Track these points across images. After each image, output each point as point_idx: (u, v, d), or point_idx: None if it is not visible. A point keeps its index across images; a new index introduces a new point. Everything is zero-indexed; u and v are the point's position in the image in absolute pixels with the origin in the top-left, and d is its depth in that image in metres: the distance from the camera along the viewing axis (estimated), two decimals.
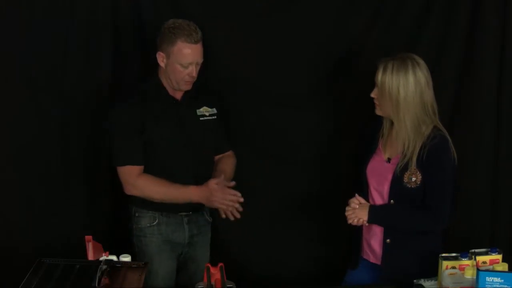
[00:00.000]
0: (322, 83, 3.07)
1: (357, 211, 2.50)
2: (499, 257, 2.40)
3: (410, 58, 2.46)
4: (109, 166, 3.04)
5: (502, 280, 2.23)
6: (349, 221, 2.51)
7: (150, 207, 2.74)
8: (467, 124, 3.00)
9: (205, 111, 2.77)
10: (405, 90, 2.43)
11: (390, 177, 2.51)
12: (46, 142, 3.01)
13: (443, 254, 2.40)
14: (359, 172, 2.64)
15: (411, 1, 2.97)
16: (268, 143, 3.09)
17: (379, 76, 2.46)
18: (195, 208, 2.79)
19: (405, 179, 2.48)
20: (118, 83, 3.00)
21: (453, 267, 2.37)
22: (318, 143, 3.13)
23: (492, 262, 2.38)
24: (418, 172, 2.46)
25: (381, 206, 2.53)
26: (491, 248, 2.42)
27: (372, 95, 2.51)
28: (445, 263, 2.38)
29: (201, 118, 2.76)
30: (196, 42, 2.60)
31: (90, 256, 2.40)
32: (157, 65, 2.69)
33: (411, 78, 2.43)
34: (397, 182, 2.49)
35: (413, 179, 2.47)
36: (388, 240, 2.53)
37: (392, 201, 2.52)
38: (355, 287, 2.71)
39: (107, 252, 2.42)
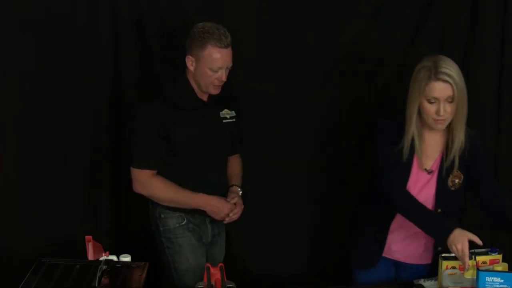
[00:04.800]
0: (323, 83, 3.07)
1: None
2: (499, 257, 2.41)
3: (438, 55, 2.39)
4: (109, 166, 3.06)
5: (502, 280, 2.23)
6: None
7: (176, 208, 2.72)
8: (467, 124, 2.99)
9: (226, 114, 2.75)
10: (465, 87, 2.39)
11: (434, 185, 2.47)
12: (46, 142, 3.01)
13: (443, 254, 2.40)
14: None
15: (411, 1, 2.97)
16: (268, 143, 3.09)
17: (453, 85, 2.33)
18: None
19: (449, 183, 2.46)
20: (118, 83, 3.00)
21: (453, 267, 2.37)
22: (319, 143, 3.13)
23: (492, 262, 2.39)
24: (460, 173, 2.45)
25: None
26: (491, 248, 2.42)
27: (442, 112, 2.36)
28: (445, 263, 2.38)
29: (224, 121, 2.75)
30: (226, 47, 2.56)
31: (90, 256, 2.40)
32: (183, 66, 2.65)
33: (458, 67, 2.39)
34: (442, 188, 2.46)
35: (456, 181, 2.46)
36: (439, 210, 2.48)
37: (439, 210, 2.47)
38: (354, 287, 2.70)
39: (107, 252, 2.42)
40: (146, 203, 2.90)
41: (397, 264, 2.61)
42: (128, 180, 3.09)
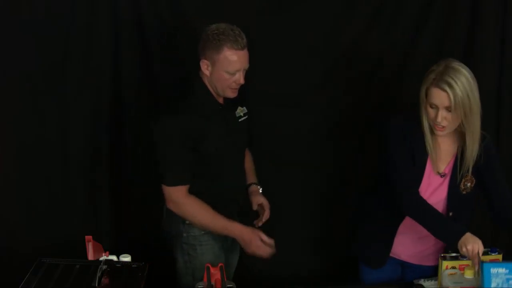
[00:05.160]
0: (323, 83, 3.07)
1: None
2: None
3: (452, 62, 2.32)
4: (109, 166, 3.06)
5: (507, 271, 2.21)
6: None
7: None
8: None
9: (240, 112, 2.66)
10: (473, 93, 2.30)
11: (446, 189, 2.46)
12: (46, 143, 3.01)
13: (443, 254, 2.40)
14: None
15: (411, 1, 2.97)
16: (268, 143, 3.09)
17: (451, 96, 2.27)
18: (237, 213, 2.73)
19: (461, 187, 2.44)
20: (118, 83, 3.00)
21: (453, 267, 2.37)
22: (319, 143, 3.13)
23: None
24: (473, 177, 2.43)
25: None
26: (491, 248, 2.42)
27: (440, 119, 2.32)
28: (445, 263, 2.38)
29: (239, 120, 2.65)
30: (243, 48, 2.44)
31: (90, 256, 2.40)
32: (196, 69, 2.54)
33: (470, 78, 2.30)
34: (454, 192, 2.44)
35: (468, 184, 2.43)
36: (451, 213, 2.47)
37: (451, 213, 2.46)
38: (355, 287, 2.70)
39: (107, 252, 2.42)
40: (146, 203, 2.90)
41: (403, 264, 2.61)
42: (128, 180, 3.10)
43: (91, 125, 3.03)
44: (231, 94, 2.54)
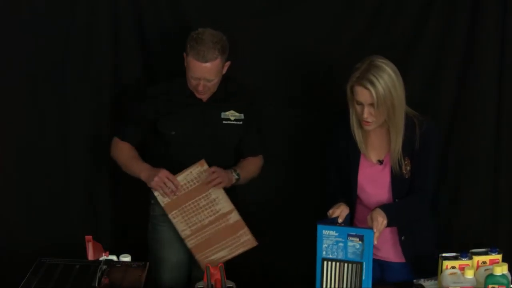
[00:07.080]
0: (323, 83, 3.07)
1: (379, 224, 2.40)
2: (499, 257, 2.41)
3: (376, 60, 2.40)
4: (109, 166, 3.06)
5: (337, 234, 2.35)
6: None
7: None
8: (467, 124, 3.00)
9: (230, 115, 2.73)
10: (396, 90, 2.39)
11: (389, 177, 2.51)
12: (46, 142, 3.01)
13: (443, 254, 2.41)
14: (345, 183, 2.61)
15: (411, 1, 2.97)
16: (268, 143, 3.08)
17: (373, 94, 2.36)
18: None
19: (404, 171, 2.49)
20: (118, 83, 3.00)
21: (453, 267, 2.37)
22: (319, 143, 3.12)
23: (492, 262, 2.38)
24: (409, 161, 2.49)
25: (386, 206, 2.46)
26: (491, 248, 2.42)
27: (366, 115, 2.42)
28: (445, 263, 2.38)
29: (224, 122, 2.72)
30: (204, 62, 2.55)
31: (90, 256, 2.40)
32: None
33: (393, 75, 2.39)
34: (398, 178, 2.49)
35: (408, 168, 2.49)
36: (403, 238, 2.55)
37: (396, 199, 2.51)
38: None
39: (107, 252, 2.42)
40: (146, 203, 2.90)
41: (381, 264, 2.61)
42: (128, 180, 3.10)
43: (91, 125, 3.03)
44: (198, 95, 2.67)
